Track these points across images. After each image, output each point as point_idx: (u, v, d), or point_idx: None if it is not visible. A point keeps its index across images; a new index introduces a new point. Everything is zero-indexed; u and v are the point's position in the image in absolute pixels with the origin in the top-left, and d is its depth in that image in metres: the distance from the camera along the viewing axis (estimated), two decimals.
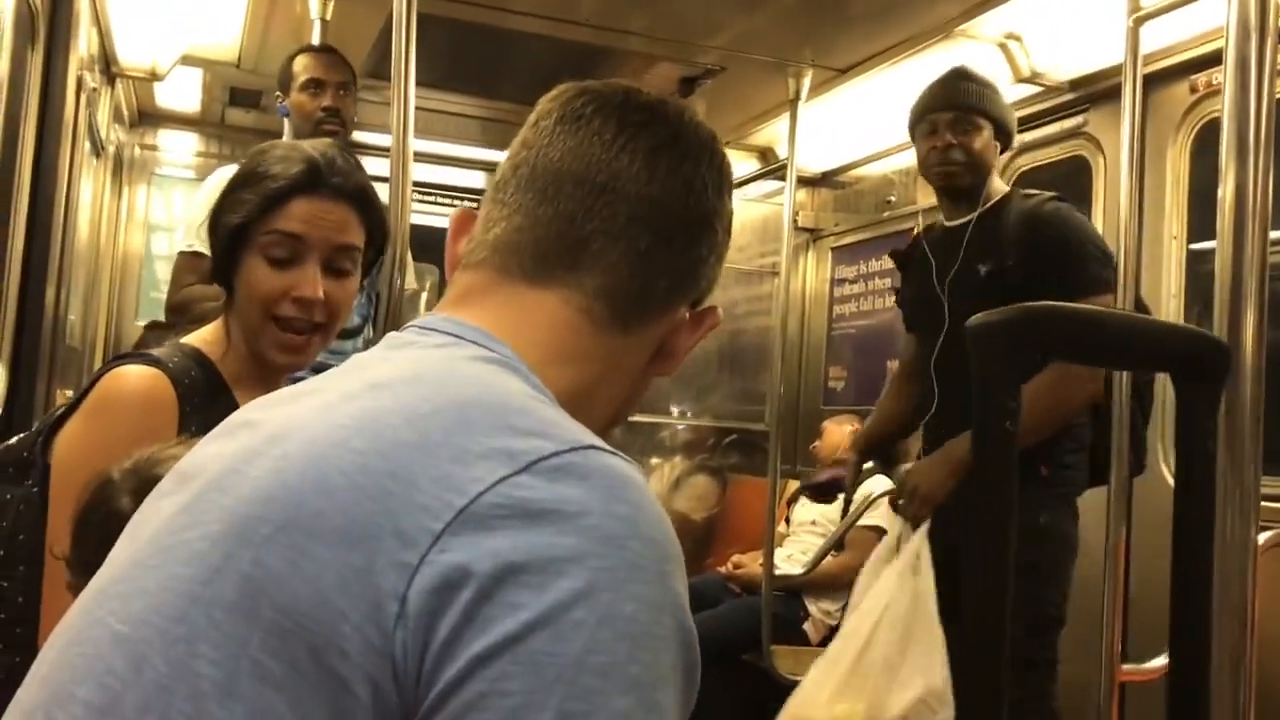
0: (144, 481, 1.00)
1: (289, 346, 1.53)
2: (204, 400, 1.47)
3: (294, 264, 1.51)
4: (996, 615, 1.10)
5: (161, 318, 4.50)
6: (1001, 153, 2.68)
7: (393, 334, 0.87)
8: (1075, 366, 2.32)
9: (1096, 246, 2.46)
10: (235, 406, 1.13)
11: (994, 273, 2.49)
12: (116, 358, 1.52)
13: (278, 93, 3.05)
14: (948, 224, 2.71)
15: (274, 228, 1.50)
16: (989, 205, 2.60)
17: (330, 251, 1.53)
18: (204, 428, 0.92)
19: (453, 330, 0.83)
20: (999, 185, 2.68)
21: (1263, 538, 1.72)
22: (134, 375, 1.45)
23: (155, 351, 1.51)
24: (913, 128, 2.70)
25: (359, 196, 1.57)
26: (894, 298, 3.06)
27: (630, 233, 0.86)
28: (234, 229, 1.51)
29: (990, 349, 0.99)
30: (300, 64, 2.97)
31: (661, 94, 0.93)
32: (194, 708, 0.64)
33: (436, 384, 0.76)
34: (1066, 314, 1.04)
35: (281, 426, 0.75)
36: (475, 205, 0.94)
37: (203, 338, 1.58)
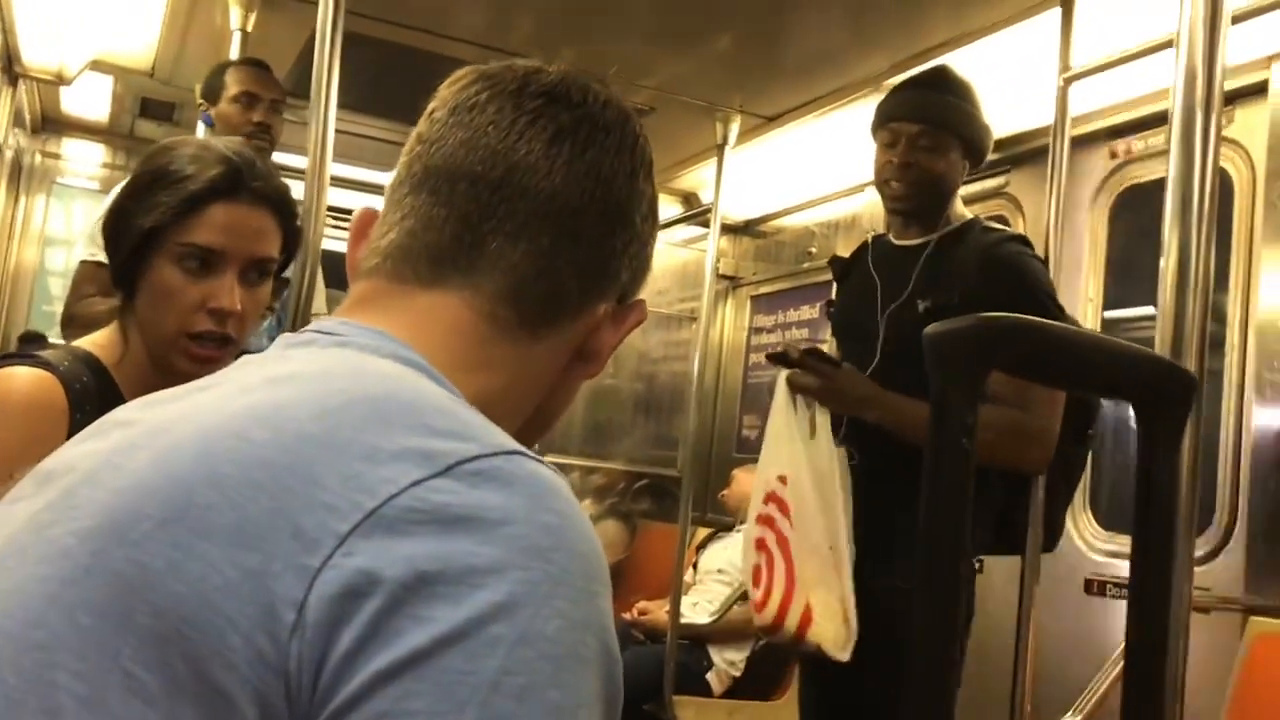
0: None
1: (200, 358, 1.44)
2: (96, 408, 1.35)
3: (210, 273, 1.43)
4: (942, 666, 1.05)
5: (42, 330, 4.29)
6: (969, 173, 2.45)
7: (288, 334, 0.79)
8: (1036, 423, 2.19)
9: (1049, 296, 2.27)
10: None
11: (934, 310, 2.28)
12: None
13: (200, 101, 2.97)
14: (896, 242, 2.46)
15: (192, 240, 1.41)
16: (947, 230, 2.39)
17: (247, 262, 1.45)
18: None
19: (352, 333, 0.76)
20: (960, 210, 2.43)
21: None
22: (20, 376, 1.34)
23: (45, 354, 1.39)
24: (874, 130, 2.45)
25: (278, 201, 1.49)
26: (826, 315, 2.86)
27: (531, 231, 0.78)
28: (145, 232, 1.41)
29: (947, 360, 0.93)
30: (234, 76, 2.90)
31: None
32: None
33: (346, 379, 0.69)
34: (1030, 327, 0.99)
35: (165, 421, 0.67)
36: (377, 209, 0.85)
37: (96, 342, 1.47)
